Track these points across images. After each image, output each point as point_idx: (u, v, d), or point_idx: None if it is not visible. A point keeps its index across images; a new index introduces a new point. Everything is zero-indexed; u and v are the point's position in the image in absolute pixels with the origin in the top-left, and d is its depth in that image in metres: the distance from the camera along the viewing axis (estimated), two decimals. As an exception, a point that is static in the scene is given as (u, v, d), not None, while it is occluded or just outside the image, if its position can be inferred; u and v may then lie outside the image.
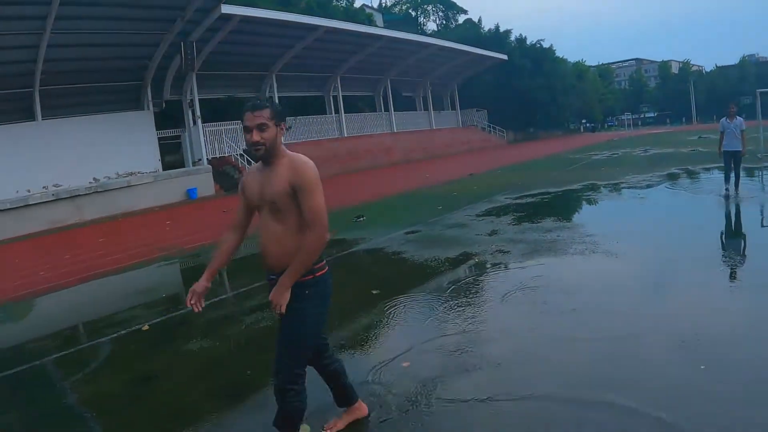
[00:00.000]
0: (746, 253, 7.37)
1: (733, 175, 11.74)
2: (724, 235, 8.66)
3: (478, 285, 6.82)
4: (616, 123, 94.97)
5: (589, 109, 79.51)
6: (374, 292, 6.72)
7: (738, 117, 11.79)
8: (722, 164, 12.13)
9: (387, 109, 45.81)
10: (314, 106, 40.30)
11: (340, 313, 5.75)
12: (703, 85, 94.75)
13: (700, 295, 5.69)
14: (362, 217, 13.08)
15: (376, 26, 51.54)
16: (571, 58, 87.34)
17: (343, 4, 58.66)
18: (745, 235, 8.62)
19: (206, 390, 4.44)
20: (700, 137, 38.84)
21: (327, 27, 31.99)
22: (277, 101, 27.32)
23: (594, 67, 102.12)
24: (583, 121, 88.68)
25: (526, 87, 56.49)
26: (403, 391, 3.95)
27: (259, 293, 6.94)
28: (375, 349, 4.99)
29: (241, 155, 29.49)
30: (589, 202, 13.62)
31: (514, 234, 9.55)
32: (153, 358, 5.36)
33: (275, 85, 34.97)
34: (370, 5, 70.12)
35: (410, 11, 72.62)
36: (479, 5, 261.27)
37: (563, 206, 13.18)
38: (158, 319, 6.49)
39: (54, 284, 9.42)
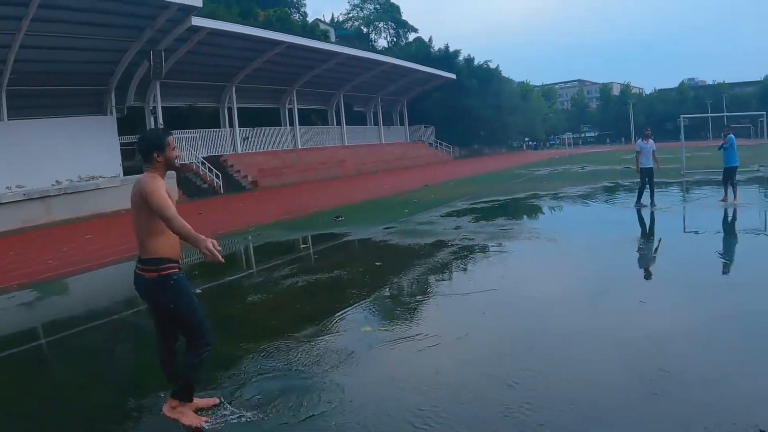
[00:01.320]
0: (651, 242, 9.87)
1: (648, 188, 13.86)
2: (635, 231, 10.97)
3: (457, 256, 9.01)
4: (558, 142, 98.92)
5: (532, 127, 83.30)
6: (377, 263, 8.70)
7: (651, 139, 13.99)
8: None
9: (339, 123, 47.58)
10: (269, 118, 41.57)
11: (362, 274, 8.07)
12: (642, 106, 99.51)
13: (610, 264, 8.20)
14: (341, 217, 14.85)
15: (330, 41, 53.20)
16: (517, 78, 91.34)
17: (299, 19, 60.10)
18: (649, 229, 11.12)
19: (280, 319, 6.10)
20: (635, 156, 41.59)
21: (289, 42, 33.39)
22: (235, 111, 28.49)
23: (538, 87, 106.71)
24: (527, 139, 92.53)
25: (472, 105, 59.02)
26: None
27: (282, 269, 8.81)
28: (395, 293, 6.95)
29: (202, 163, 30.63)
30: (533, 206, 15.80)
31: (474, 228, 11.64)
32: (223, 309, 6.92)
33: (234, 96, 36.12)
34: (322, 19, 71.65)
35: (362, 27, 74.36)
36: (429, 24, 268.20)
37: (512, 210, 15.30)
38: (207, 285, 8.01)
39: (69, 270, 10.60)
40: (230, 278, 8.67)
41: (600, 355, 4.57)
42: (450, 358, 4.59)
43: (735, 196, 13.25)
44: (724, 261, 7.98)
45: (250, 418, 3.81)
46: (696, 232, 10.56)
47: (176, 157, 3.95)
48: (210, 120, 36.75)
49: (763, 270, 7.20)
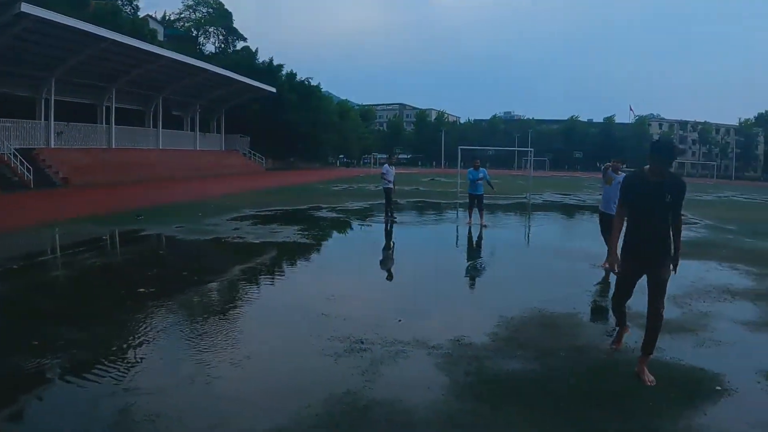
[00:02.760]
0: (391, 244, 14.04)
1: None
2: (374, 238, 15.31)
3: (228, 247, 12.69)
4: (371, 161, 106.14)
5: (348, 145, 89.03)
6: (160, 252, 12.03)
7: (390, 166, 18.79)
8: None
9: (156, 126, 48.81)
10: (87, 114, 41.79)
11: (145, 260, 11.30)
12: (456, 134, 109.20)
13: (353, 248, 12.47)
14: (141, 216, 17.79)
15: (158, 40, 54.07)
16: (342, 96, 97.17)
17: (130, 12, 59.94)
18: (387, 236, 15.47)
19: (72, 294, 9.29)
20: (432, 179, 47.35)
21: (113, 40, 34.50)
22: (53, 104, 28.82)
23: (358, 106, 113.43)
24: (341, 156, 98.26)
25: (290, 120, 62.77)
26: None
27: (80, 255, 11.81)
28: (169, 272, 10.20)
29: (14, 154, 30.75)
30: (308, 216, 19.93)
31: (249, 230, 15.38)
32: (23, 283, 9.87)
33: (53, 88, 36.29)
34: (153, 16, 71.55)
35: (192, 29, 75.26)
36: (258, 35, 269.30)
37: (289, 217, 19.20)
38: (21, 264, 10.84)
39: None
40: (37, 260, 11.48)
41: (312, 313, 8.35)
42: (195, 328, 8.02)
43: (482, 218, 17.17)
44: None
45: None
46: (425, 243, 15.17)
47: None
48: (26, 110, 36.26)
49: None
